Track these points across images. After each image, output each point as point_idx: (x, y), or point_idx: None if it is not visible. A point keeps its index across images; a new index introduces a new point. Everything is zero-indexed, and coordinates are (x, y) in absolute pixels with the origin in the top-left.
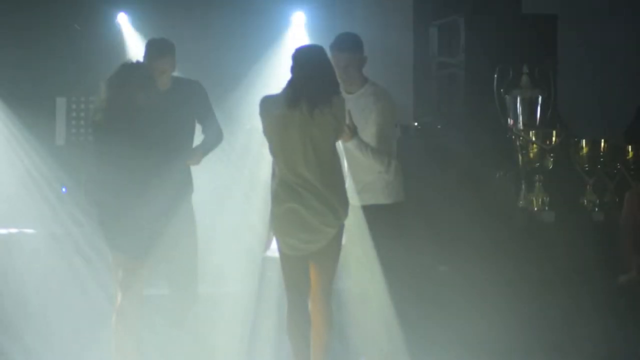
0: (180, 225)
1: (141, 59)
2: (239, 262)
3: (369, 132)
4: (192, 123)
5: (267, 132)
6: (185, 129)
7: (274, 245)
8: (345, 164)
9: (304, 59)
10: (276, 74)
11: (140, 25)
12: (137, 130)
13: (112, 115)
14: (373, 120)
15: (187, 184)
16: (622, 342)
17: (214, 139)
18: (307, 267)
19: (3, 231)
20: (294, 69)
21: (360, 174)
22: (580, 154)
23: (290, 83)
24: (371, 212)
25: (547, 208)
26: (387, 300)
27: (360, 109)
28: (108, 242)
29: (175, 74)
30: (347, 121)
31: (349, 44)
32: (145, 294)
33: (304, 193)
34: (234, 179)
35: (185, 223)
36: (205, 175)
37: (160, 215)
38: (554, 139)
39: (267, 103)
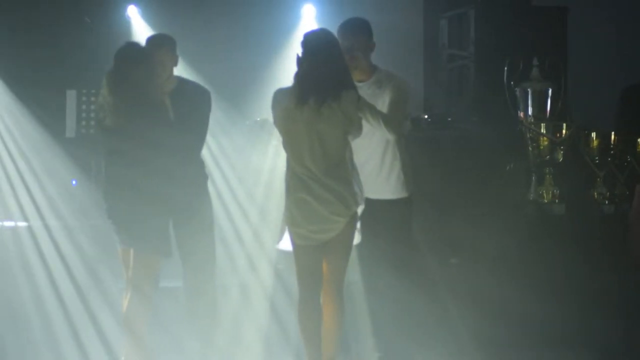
0: (197, 219)
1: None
2: (252, 254)
3: (380, 108)
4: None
5: (276, 124)
6: (190, 129)
7: (287, 239)
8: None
9: (313, 48)
10: (288, 67)
11: (150, 17)
12: (142, 126)
13: (117, 112)
14: (386, 99)
15: (199, 176)
16: (633, 335)
17: (189, 142)
18: (320, 260)
19: (13, 224)
20: (303, 59)
21: (372, 168)
22: (591, 146)
23: (300, 77)
24: (382, 206)
25: (557, 201)
26: (397, 293)
27: (369, 95)
28: (117, 236)
29: (187, 69)
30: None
31: (353, 25)
32: (160, 285)
33: (312, 184)
34: (247, 171)
35: (202, 216)
36: (218, 168)
37: (172, 210)
38: (564, 131)
39: (279, 96)
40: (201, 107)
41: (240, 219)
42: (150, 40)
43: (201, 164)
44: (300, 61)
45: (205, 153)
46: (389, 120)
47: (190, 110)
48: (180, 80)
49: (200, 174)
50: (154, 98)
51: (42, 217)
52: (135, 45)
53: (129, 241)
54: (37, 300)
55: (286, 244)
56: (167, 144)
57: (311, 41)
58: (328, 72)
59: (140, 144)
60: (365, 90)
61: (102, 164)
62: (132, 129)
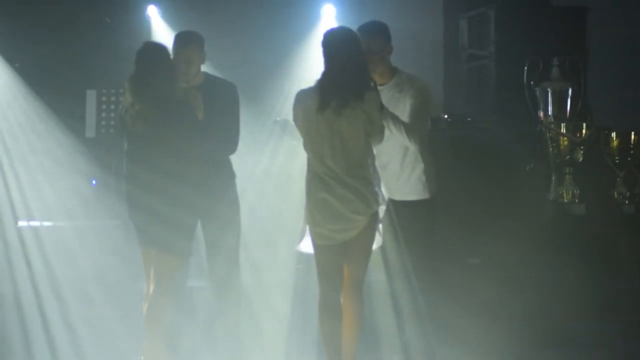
0: (223, 219)
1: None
2: (273, 254)
3: (400, 114)
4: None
5: (297, 124)
6: (222, 125)
7: (308, 241)
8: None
9: (333, 48)
10: (307, 67)
11: (170, 17)
12: (166, 129)
13: (140, 115)
14: (407, 103)
15: (227, 175)
16: None
17: (224, 142)
18: (341, 260)
19: (33, 224)
20: (324, 59)
21: (393, 170)
22: (611, 146)
23: (322, 81)
24: (404, 207)
25: (577, 201)
26: (416, 294)
27: (390, 98)
28: (138, 236)
29: (207, 70)
30: None
31: (370, 29)
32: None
33: (333, 183)
34: (267, 171)
35: (228, 216)
36: (239, 168)
37: (199, 211)
38: (584, 131)
39: (301, 97)
40: (231, 102)
41: (261, 219)
42: (178, 37)
43: (228, 162)
44: (323, 58)
45: None
46: (410, 131)
47: (220, 107)
48: (207, 77)
49: (227, 173)
50: (176, 98)
51: (62, 217)
52: (154, 45)
53: (150, 242)
54: (56, 299)
55: (306, 245)
56: (194, 145)
57: (331, 41)
58: (349, 72)
59: (164, 147)
60: (385, 93)
61: (125, 165)
62: (156, 132)
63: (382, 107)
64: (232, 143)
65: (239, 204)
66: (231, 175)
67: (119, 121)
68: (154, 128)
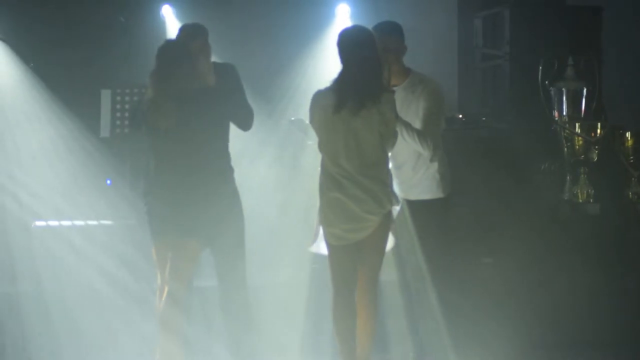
0: (226, 211)
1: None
2: (288, 253)
3: (413, 116)
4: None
5: (314, 125)
6: (221, 112)
7: (320, 242)
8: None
9: (351, 49)
10: (322, 67)
11: (184, 17)
12: (184, 121)
13: (162, 111)
14: (420, 105)
15: (227, 169)
16: None
17: (241, 118)
18: (355, 260)
19: (48, 223)
20: (341, 59)
21: (408, 169)
22: (626, 145)
23: (339, 81)
24: (418, 206)
25: (592, 200)
26: (430, 293)
27: (403, 99)
28: (155, 229)
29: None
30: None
31: (384, 28)
32: (195, 285)
33: (346, 183)
34: (281, 171)
35: (230, 209)
36: (253, 167)
37: (204, 198)
38: (599, 131)
39: (317, 98)
40: (236, 81)
41: (275, 218)
42: (184, 30)
43: (228, 156)
44: (340, 59)
45: (239, 149)
46: (423, 137)
47: (228, 87)
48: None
49: (228, 167)
50: (197, 93)
51: (77, 217)
52: (175, 42)
53: (171, 230)
54: (69, 298)
55: (317, 247)
56: (211, 139)
57: (346, 40)
58: (366, 72)
59: (184, 142)
60: (399, 94)
61: (150, 160)
62: (176, 127)
63: (397, 113)
64: (248, 118)
65: (239, 197)
66: (230, 170)
67: (138, 115)
68: (174, 123)
